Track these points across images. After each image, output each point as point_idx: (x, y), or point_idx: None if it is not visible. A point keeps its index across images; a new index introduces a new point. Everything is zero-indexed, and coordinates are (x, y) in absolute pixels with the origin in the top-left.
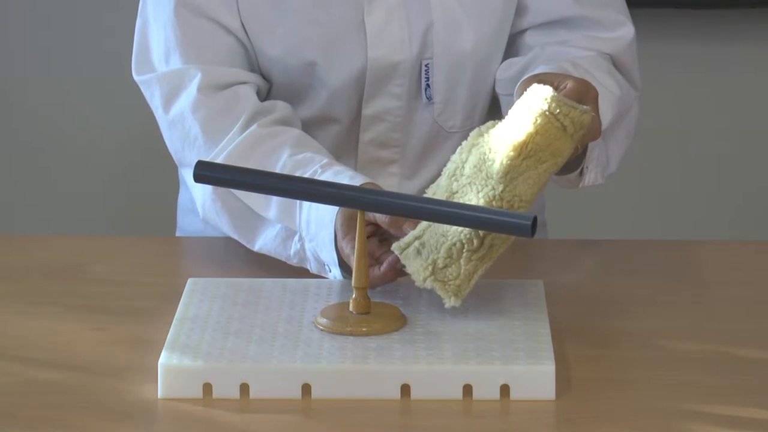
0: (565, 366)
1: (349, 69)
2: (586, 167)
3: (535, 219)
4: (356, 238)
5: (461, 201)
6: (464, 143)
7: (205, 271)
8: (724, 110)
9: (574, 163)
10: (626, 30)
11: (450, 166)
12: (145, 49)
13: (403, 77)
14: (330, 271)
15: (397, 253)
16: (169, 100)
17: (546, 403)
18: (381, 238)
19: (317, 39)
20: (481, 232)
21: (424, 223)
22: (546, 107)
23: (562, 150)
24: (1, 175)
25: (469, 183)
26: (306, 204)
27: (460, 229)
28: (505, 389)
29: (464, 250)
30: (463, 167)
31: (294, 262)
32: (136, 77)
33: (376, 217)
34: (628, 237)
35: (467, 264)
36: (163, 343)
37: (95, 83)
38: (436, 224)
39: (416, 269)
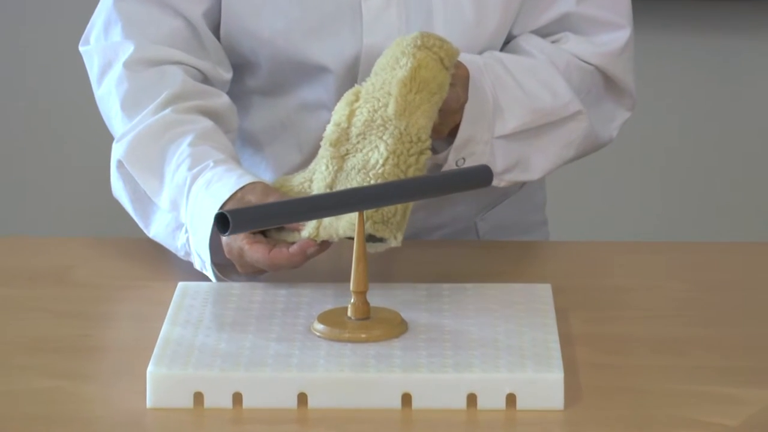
0: (574, 374)
1: (342, 55)
2: (462, 159)
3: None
4: (355, 240)
5: (356, 157)
6: (336, 116)
7: (196, 274)
8: (730, 106)
9: (440, 145)
10: (621, 33)
11: (331, 137)
12: (93, 22)
13: None
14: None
15: (311, 236)
16: (102, 73)
17: (554, 414)
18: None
19: (308, 22)
20: (402, 166)
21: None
22: (420, 42)
23: (444, 84)
24: None
25: (363, 138)
26: (194, 193)
27: (380, 170)
28: (511, 399)
29: None
30: (347, 131)
31: (181, 254)
32: (80, 48)
33: None
34: (632, 236)
35: None
36: (152, 350)
37: (80, 80)
38: (341, 184)
39: (349, 226)
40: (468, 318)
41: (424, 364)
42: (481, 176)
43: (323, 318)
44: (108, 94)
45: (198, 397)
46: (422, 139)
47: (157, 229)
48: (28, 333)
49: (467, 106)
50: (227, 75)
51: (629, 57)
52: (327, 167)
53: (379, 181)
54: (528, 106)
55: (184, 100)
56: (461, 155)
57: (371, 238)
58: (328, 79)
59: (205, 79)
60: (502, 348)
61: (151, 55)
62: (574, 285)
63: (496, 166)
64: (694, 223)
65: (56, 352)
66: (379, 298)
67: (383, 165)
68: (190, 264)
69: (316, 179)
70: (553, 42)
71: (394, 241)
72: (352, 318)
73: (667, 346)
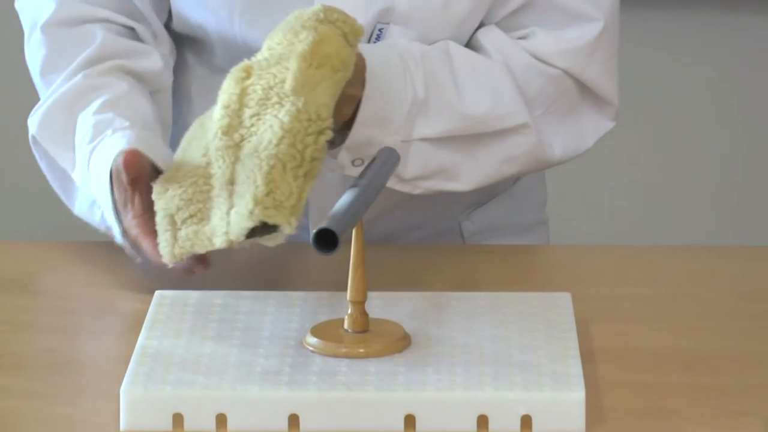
0: (596, 393)
1: None
2: (360, 160)
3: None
4: (353, 244)
5: (252, 142)
6: (224, 96)
7: (174, 282)
8: (749, 99)
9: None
10: (591, 27)
11: (221, 123)
12: None
13: None
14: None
15: (170, 260)
16: (29, 35)
17: None
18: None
19: None
20: (299, 146)
21: (196, 194)
22: (323, 16)
23: (348, 61)
24: None
25: (258, 119)
26: (93, 165)
27: (274, 150)
28: (526, 421)
29: (288, 168)
30: (239, 115)
31: (103, 230)
32: (15, 4)
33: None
34: (647, 239)
35: (296, 180)
36: (126, 367)
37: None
38: (240, 176)
39: (239, 230)
40: (478, 331)
41: (429, 382)
42: (392, 160)
43: (317, 331)
44: (31, 60)
45: (177, 419)
46: (322, 117)
47: (80, 206)
48: None
49: (366, 105)
50: (163, 48)
51: (605, 58)
52: (224, 160)
53: (273, 162)
54: (459, 111)
55: (100, 62)
56: (357, 156)
57: (265, 229)
58: None
59: (137, 38)
60: (517, 364)
61: (71, 14)
62: (593, 294)
63: (406, 172)
64: (719, 225)
65: (17, 368)
66: (379, 308)
67: (277, 145)
68: (167, 271)
69: (216, 175)
70: (520, 38)
71: (288, 228)
72: (350, 331)
73: (700, 362)
